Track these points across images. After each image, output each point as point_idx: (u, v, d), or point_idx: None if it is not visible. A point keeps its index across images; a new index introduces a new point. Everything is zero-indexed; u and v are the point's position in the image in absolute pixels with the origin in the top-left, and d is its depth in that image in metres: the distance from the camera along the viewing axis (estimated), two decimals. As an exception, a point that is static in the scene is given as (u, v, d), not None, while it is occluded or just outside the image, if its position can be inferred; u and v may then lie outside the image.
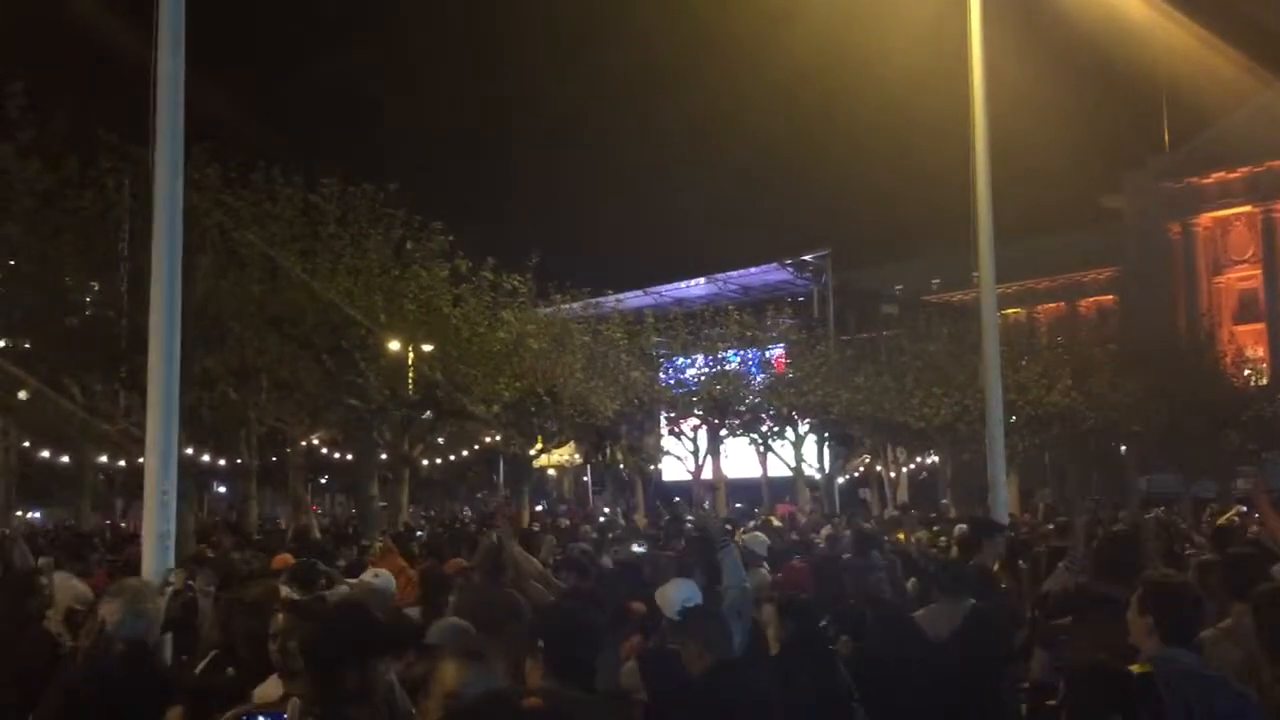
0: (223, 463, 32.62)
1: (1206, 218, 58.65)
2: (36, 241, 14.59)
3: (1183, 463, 36.19)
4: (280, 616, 4.52)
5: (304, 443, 25.83)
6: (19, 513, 31.60)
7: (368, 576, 7.07)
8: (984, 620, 6.09)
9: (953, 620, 6.08)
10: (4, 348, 16.30)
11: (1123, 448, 35.90)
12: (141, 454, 7.85)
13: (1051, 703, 4.55)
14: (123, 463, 29.82)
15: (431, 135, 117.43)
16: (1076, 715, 3.82)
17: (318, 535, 18.22)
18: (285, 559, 11.20)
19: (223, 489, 43.08)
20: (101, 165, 14.19)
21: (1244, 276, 57.79)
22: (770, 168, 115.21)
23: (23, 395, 18.46)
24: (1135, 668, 3.94)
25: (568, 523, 21.89)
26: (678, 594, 5.69)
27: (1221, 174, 56.64)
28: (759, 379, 32.12)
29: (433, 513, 30.23)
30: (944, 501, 26.26)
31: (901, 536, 12.62)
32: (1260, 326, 54.87)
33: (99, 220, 14.26)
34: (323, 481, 43.85)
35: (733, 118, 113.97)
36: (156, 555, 7.24)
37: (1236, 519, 14.20)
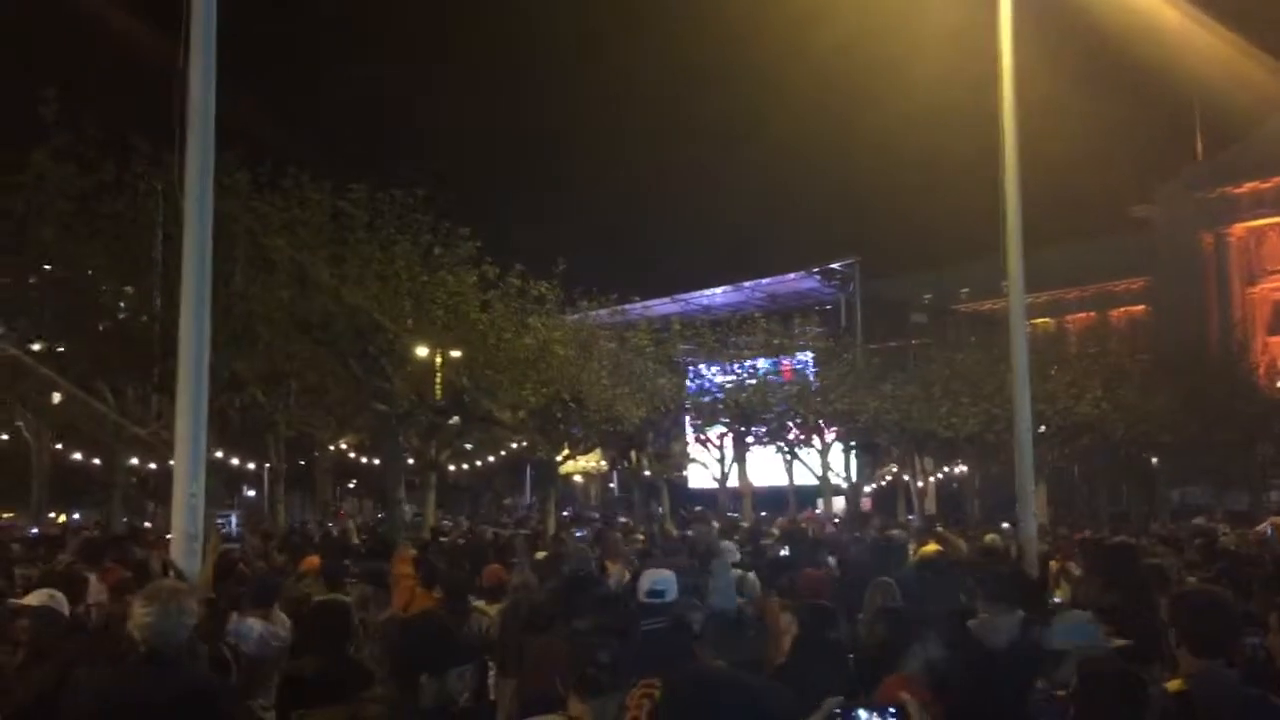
0: (251, 466, 32.84)
1: (1239, 228, 58.11)
2: (71, 245, 14.75)
3: (1214, 475, 35.83)
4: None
5: (332, 447, 26.00)
6: (50, 514, 31.88)
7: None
8: (1035, 631, 6.02)
9: (1009, 632, 6.04)
10: (38, 350, 16.50)
11: (1153, 459, 35.58)
12: (172, 457, 7.92)
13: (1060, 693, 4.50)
14: (154, 465, 30.08)
15: (460, 142, 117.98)
16: (1083, 713, 3.73)
17: (355, 540, 18.27)
18: (313, 561, 11.29)
19: (251, 492, 43.38)
20: (135, 170, 14.34)
21: (1277, 287, 57.20)
22: (799, 176, 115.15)
23: (56, 398, 18.66)
24: (1170, 685, 3.82)
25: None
26: (649, 579, 6.35)
27: (1255, 184, 56.13)
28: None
29: (446, 520, 29.66)
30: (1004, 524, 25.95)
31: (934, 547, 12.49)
32: (1294, 338, 54.28)
33: (132, 224, 14.41)
34: (350, 486, 44.06)
35: (762, 125, 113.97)
36: (184, 557, 7.31)
37: (1269, 530, 14.07)
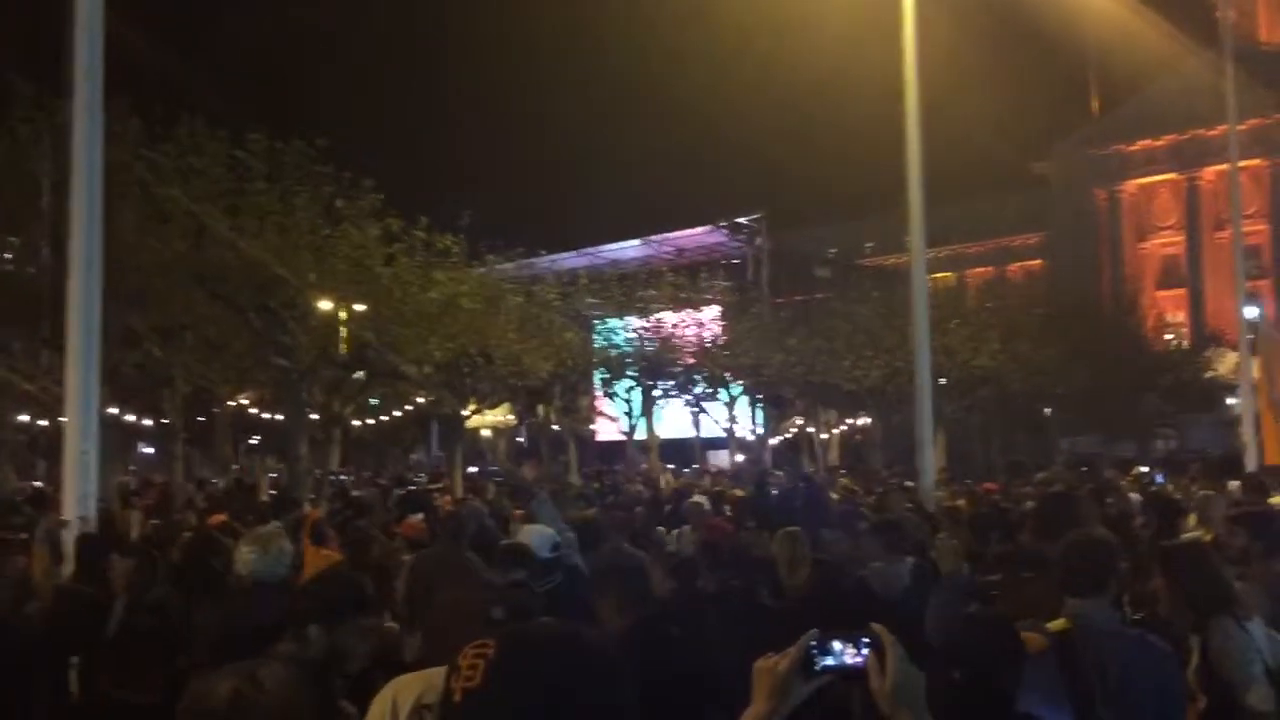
0: (149, 423, 32.02)
1: (1132, 185, 59.71)
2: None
3: (1104, 424, 37.05)
4: None
5: (232, 403, 25.46)
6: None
7: None
8: (927, 578, 6.17)
9: (901, 578, 6.17)
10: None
11: (1047, 410, 36.63)
12: (62, 413, 7.69)
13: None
14: (44, 422, 29.17)
15: (363, 92, 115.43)
16: (965, 663, 3.74)
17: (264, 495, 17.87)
18: (220, 519, 11.04)
19: (149, 449, 42.36)
20: (16, 115, 13.78)
21: (1167, 243, 58.99)
22: (705, 130, 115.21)
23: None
24: (1053, 625, 3.93)
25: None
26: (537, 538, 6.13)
27: (1147, 142, 57.60)
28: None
29: (345, 476, 28.48)
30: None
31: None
32: (1181, 292, 56.10)
33: (12, 172, 13.86)
34: (253, 443, 43.25)
35: (668, 79, 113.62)
36: (78, 515, 7.12)
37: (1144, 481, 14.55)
